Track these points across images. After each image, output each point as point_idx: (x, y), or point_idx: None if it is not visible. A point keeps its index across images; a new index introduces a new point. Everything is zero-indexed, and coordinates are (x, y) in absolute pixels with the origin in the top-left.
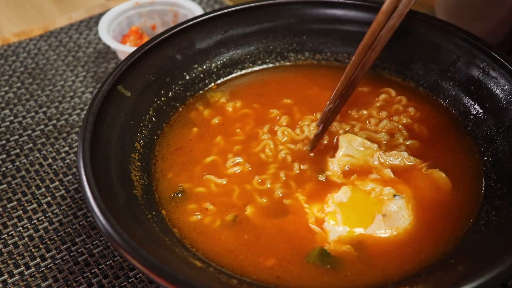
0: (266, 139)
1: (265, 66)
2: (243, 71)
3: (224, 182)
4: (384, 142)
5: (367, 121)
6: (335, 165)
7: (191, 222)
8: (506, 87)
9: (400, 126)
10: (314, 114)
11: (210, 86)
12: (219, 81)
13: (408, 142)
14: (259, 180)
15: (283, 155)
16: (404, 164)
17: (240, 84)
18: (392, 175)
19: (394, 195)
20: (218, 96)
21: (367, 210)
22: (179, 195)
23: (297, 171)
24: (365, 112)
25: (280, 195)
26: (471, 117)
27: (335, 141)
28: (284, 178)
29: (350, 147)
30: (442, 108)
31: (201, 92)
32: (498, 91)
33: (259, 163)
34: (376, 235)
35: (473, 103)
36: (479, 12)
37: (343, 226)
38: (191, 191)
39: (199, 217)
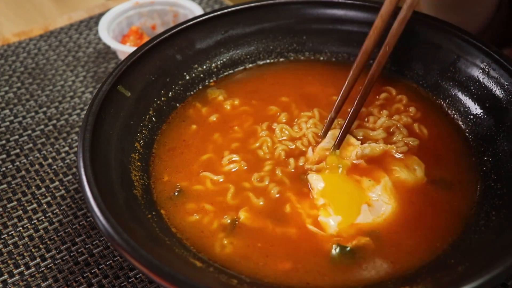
0: (264, 136)
1: (264, 61)
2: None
3: (221, 180)
4: (382, 139)
5: (366, 119)
6: (312, 155)
7: (190, 222)
8: (506, 87)
9: (399, 125)
10: (312, 111)
11: (212, 85)
12: (217, 78)
13: (407, 140)
14: (258, 179)
15: (280, 152)
16: (377, 152)
17: (238, 81)
18: (365, 164)
19: (369, 180)
20: (216, 94)
21: (353, 198)
22: (177, 194)
23: (292, 170)
24: (364, 110)
25: (277, 195)
26: (471, 117)
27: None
28: (280, 175)
29: (332, 141)
30: (442, 108)
31: (200, 90)
32: (498, 91)
33: (256, 160)
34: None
35: (473, 103)
36: (461, 2)
37: (337, 216)
38: (189, 189)
39: (197, 217)
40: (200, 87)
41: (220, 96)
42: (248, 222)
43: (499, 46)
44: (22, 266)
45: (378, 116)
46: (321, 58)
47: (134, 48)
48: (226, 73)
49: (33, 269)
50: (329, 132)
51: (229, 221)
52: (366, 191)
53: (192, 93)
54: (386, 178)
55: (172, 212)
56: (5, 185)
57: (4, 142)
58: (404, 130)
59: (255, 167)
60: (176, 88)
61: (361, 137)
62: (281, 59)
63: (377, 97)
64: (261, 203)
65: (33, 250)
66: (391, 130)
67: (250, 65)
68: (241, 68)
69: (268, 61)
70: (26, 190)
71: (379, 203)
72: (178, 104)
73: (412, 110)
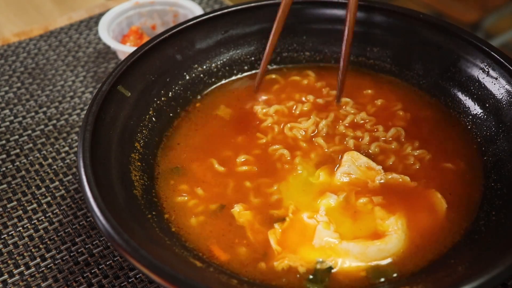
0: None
1: (268, 67)
2: (245, 74)
3: (223, 183)
4: (394, 152)
5: (375, 129)
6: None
7: (192, 223)
8: (506, 87)
9: (399, 129)
10: (324, 122)
11: (211, 86)
12: (219, 83)
13: (418, 153)
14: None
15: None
16: (403, 185)
17: (238, 82)
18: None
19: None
20: (217, 95)
21: (360, 225)
22: (175, 172)
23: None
24: (366, 117)
25: (276, 197)
26: (471, 117)
27: (340, 157)
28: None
29: (353, 166)
30: (442, 108)
31: (203, 92)
32: (498, 91)
33: (265, 162)
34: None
35: (473, 103)
36: None
37: (334, 233)
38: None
39: (186, 198)
40: (201, 86)
41: (220, 105)
42: (236, 214)
43: None
44: (22, 266)
45: (380, 123)
46: (321, 58)
47: (134, 48)
48: (227, 76)
49: (33, 269)
50: (346, 156)
51: (216, 208)
52: (377, 218)
53: (192, 93)
54: (402, 213)
55: (175, 214)
56: (5, 185)
57: (4, 142)
58: (416, 142)
59: (264, 172)
60: (176, 88)
61: (377, 151)
62: (283, 62)
63: (375, 101)
64: (257, 201)
65: (33, 250)
66: (402, 140)
67: (254, 70)
68: (242, 70)
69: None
70: (26, 190)
71: (390, 237)
72: (178, 104)
73: (409, 111)
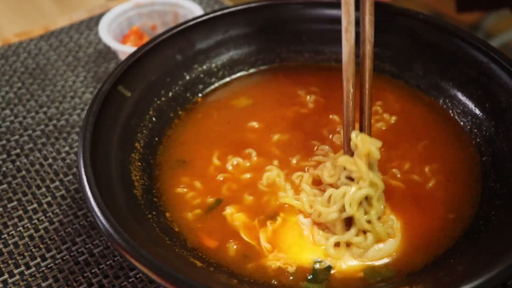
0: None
1: (266, 66)
2: (245, 73)
3: (221, 179)
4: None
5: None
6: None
7: (190, 219)
8: (506, 87)
9: (392, 120)
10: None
11: (211, 86)
12: (219, 82)
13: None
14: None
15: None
16: (398, 187)
17: (239, 83)
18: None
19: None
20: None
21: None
22: (176, 171)
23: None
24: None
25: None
26: (471, 117)
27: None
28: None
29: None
30: (442, 109)
31: (203, 91)
32: (498, 91)
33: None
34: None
35: (473, 103)
36: None
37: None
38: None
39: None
40: (201, 86)
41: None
42: (229, 216)
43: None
44: (22, 266)
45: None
46: (321, 58)
47: (135, 49)
48: (228, 76)
49: (33, 269)
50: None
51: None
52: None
53: (192, 93)
54: (398, 214)
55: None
56: (5, 185)
57: (4, 142)
58: (413, 143)
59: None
60: (176, 88)
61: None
62: (282, 62)
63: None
64: (251, 198)
65: (33, 250)
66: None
67: (253, 69)
68: (241, 70)
69: (267, 61)
70: (27, 190)
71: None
72: (178, 104)
73: (404, 113)
